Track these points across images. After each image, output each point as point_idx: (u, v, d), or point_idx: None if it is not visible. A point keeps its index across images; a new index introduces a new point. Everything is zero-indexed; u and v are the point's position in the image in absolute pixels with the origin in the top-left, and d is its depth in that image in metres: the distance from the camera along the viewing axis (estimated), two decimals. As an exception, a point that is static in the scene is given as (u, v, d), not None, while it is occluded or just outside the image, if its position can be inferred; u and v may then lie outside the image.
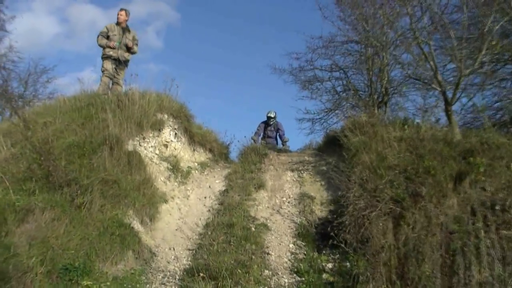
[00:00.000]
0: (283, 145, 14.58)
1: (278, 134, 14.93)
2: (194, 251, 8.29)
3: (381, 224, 7.73)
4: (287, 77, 15.32)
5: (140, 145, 9.98)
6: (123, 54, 11.72)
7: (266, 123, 14.91)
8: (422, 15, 10.79)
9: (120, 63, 11.74)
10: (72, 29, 50.77)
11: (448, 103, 10.22)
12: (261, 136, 14.85)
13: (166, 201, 9.56)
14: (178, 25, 53.23)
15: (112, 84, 11.80)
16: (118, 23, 11.92)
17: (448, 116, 10.26)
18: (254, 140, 13.99)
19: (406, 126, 9.83)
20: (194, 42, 52.72)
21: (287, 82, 15.57)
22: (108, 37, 11.73)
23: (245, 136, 12.94)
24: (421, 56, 10.73)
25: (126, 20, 12.00)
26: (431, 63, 10.38)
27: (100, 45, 11.71)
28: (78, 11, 49.99)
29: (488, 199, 7.69)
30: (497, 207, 7.62)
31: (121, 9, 12.00)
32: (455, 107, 10.89)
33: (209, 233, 8.58)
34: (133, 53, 11.85)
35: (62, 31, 50.47)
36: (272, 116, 14.92)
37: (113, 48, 11.65)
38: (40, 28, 40.13)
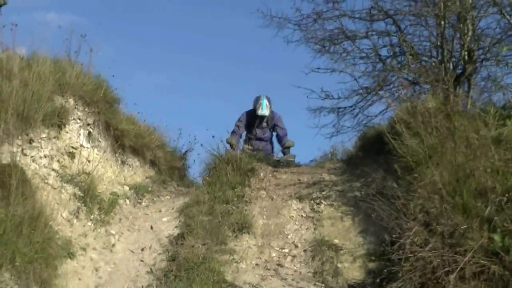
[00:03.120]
0: (283, 153, 10.93)
1: (275, 134, 11.22)
2: None
3: (466, 296, 6.46)
4: (292, 32, 11.05)
5: (23, 154, 7.74)
6: None
7: (254, 116, 11.10)
8: None
9: None
10: None
11: None
12: (244, 137, 11.29)
13: (71, 255, 7.37)
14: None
15: None
16: None
17: None
18: (231, 145, 10.59)
19: (509, 119, 7.57)
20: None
21: (292, 42, 11.17)
22: None
23: (213, 136, 9.87)
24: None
25: None
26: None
27: None
28: None
29: None
30: None
31: None
32: None
33: (152, 314, 7.65)
34: None
35: None
36: (266, 114, 11.01)
37: None
38: None
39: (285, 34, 11.38)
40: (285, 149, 11.02)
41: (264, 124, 11.21)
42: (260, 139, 11.20)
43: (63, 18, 29.94)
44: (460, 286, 5.94)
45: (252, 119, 11.25)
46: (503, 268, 5.92)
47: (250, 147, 10.95)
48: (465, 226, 6.27)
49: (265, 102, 11.04)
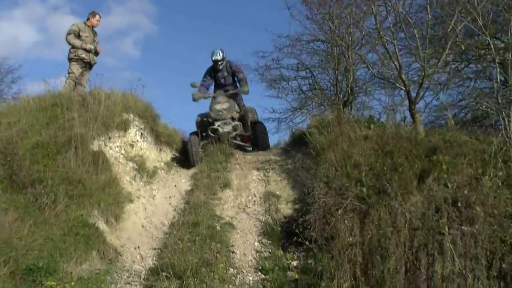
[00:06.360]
0: (241, 86, 12.20)
1: (237, 78, 12.31)
2: (159, 251, 8.27)
3: (346, 222, 7.73)
4: (253, 75, 15.24)
5: (105, 145, 9.92)
6: (94, 59, 11.88)
7: (213, 69, 12.21)
8: (387, 14, 10.82)
9: (90, 67, 11.87)
10: (51, 38, 50.42)
11: (412, 102, 10.27)
12: (211, 88, 12.45)
13: (131, 201, 9.55)
14: (156, 36, 53.09)
15: (75, 85, 11.79)
16: (89, 25, 12.08)
17: (412, 115, 10.34)
18: (198, 88, 12.18)
19: (371, 125, 9.92)
20: (171, 50, 54.71)
21: (253, 81, 15.32)
22: (79, 37, 11.76)
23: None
24: (386, 55, 10.87)
25: None
26: (396, 62, 10.46)
27: (73, 45, 11.72)
28: (57, 21, 49.76)
29: (451, 196, 7.62)
30: (460, 204, 7.55)
31: (98, 13, 12.22)
32: (420, 105, 11.07)
33: (175, 232, 8.57)
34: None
35: (41, 39, 50.21)
36: (219, 58, 11.98)
37: (89, 51, 11.78)
38: (18, 36, 41.07)
39: (249, 77, 14.05)
40: (243, 85, 12.19)
41: (226, 73, 12.17)
42: (225, 86, 12.31)
43: (133, 74, 38.25)
44: (343, 215, 7.84)
45: (213, 71, 12.24)
46: (367, 206, 7.87)
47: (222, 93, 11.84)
48: (347, 184, 8.24)
49: (218, 50, 11.92)
